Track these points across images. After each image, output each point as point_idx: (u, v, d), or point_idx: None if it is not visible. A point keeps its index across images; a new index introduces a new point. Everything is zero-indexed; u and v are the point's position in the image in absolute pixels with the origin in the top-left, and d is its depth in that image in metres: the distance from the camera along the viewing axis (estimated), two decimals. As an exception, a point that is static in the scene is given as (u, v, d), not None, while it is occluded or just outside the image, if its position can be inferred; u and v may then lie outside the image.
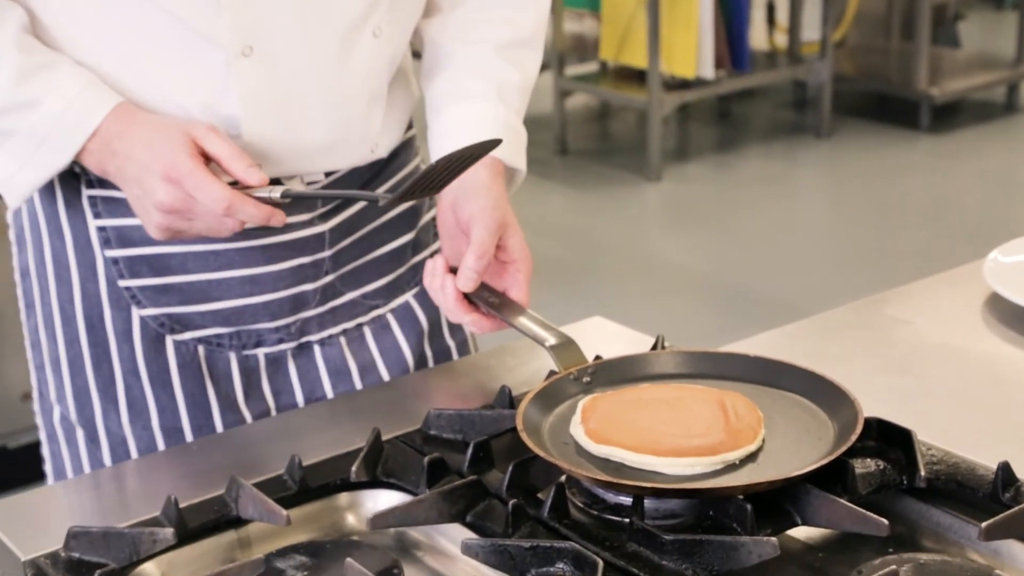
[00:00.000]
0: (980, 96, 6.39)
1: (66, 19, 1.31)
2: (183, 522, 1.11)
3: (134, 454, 1.42)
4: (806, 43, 6.19)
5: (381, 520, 1.08)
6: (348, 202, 1.45)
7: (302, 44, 1.32)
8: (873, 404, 1.16)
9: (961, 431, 1.24)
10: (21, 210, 1.44)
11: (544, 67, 1.61)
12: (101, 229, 1.38)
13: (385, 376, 1.49)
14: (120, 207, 1.36)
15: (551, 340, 1.28)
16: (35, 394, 1.51)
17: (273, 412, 1.45)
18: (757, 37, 6.29)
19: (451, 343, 1.56)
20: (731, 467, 1.10)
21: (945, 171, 5.62)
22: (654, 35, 5.42)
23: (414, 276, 1.53)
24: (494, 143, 1.21)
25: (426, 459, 1.16)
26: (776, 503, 1.06)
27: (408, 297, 1.52)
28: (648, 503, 1.07)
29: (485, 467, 1.17)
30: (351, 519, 1.19)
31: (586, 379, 1.25)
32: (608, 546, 1.04)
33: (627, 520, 1.06)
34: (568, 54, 6.07)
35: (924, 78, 6.00)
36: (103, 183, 1.36)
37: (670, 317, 4.25)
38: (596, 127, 6.63)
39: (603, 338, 1.47)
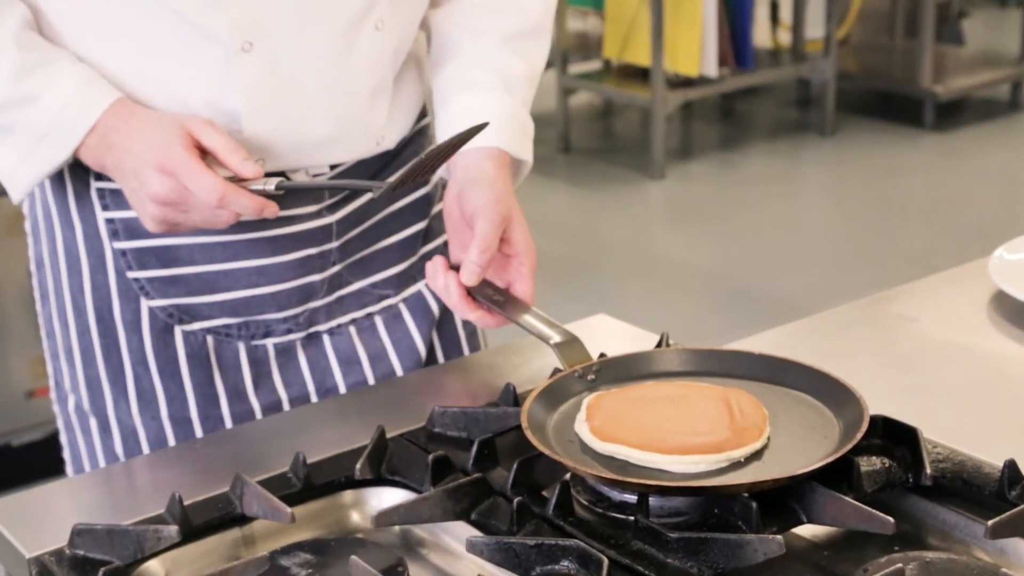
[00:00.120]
0: (984, 94, 6.38)
1: (68, 15, 1.32)
2: (187, 519, 1.11)
3: (144, 443, 1.43)
4: (810, 41, 6.19)
5: (385, 518, 1.08)
6: (356, 193, 1.45)
7: (303, 39, 1.32)
8: (878, 402, 1.15)
9: (967, 429, 1.23)
10: (35, 201, 1.45)
11: (547, 65, 1.60)
12: (109, 221, 1.39)
13: (396, 365, 1.49)
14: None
15: (556, 338, 1.28)
16: (51, 383, 1.52)
17: (284, 402, 1.45)
18: (761, 35, 6.29)
19: (462, 333, 1.56)
20: (736, 465, 1.10)
21: (949, 169, 5.61)
22: (658, 33, 5.42)
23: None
24: (479, 128, 1.21)
25: (430, 457, 1.15)
26: (781, 501, 1.06)
27: (420, 286, 1.52)
28: (653, 501, 1.07)
29: (490, 465, 1.17)
30: (356, 517, 1.19)
31: (591, 377, 1.25)
32: (613, 544, 1.04)
33: (632, 518, 1.05)
34: (572, 52, 6.07)
35: (928, 76, 5.99)
36: (111, 176, 1.36)
37: (674, 315, 4.25)
38: (599, 125, 6.62)
39: (607, 336, 1.46)
